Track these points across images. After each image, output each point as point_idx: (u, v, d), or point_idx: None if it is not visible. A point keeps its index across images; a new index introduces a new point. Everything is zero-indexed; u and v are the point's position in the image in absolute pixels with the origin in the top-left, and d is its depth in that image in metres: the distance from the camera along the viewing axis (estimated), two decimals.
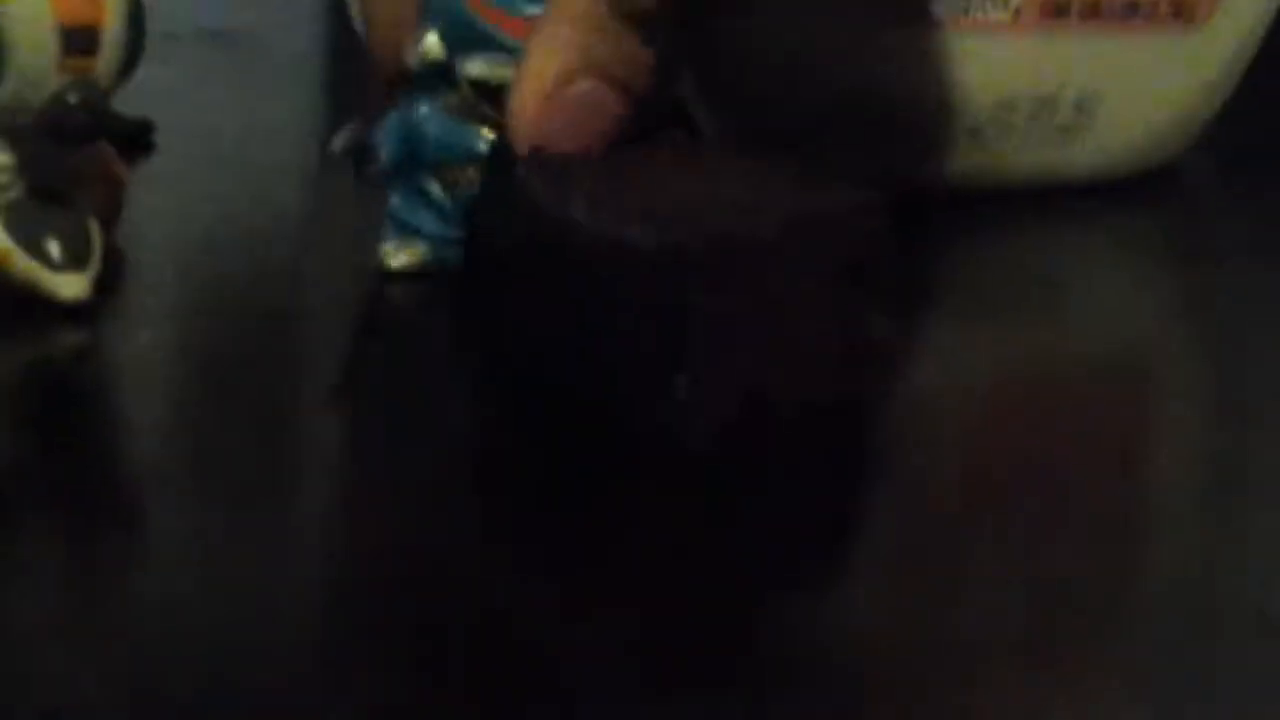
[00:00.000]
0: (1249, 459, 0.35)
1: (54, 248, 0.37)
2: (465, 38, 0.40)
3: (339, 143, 0.43)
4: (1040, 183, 0.53)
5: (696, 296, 0.32)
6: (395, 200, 0.42)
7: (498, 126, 0.38)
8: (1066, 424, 0.36)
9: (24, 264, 0.36)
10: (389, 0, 0.42)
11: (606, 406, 0.34)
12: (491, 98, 0.40)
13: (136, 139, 0.51)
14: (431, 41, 0.40)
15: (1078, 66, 0.51)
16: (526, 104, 0.35)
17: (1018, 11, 0.49)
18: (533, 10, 0.38)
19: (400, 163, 0.41)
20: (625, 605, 0.28)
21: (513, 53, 0.38)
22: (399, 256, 0.41)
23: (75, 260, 0.37)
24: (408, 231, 0.41)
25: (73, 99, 0.36)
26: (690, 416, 0.33)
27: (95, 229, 0.38)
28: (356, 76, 0.57)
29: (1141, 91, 0.53)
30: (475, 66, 0.40)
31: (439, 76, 0.41)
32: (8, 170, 0.37)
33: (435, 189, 0.41)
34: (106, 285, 0.38)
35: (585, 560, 0.30)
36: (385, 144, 0.41)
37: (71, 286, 0.37)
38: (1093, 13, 0.50)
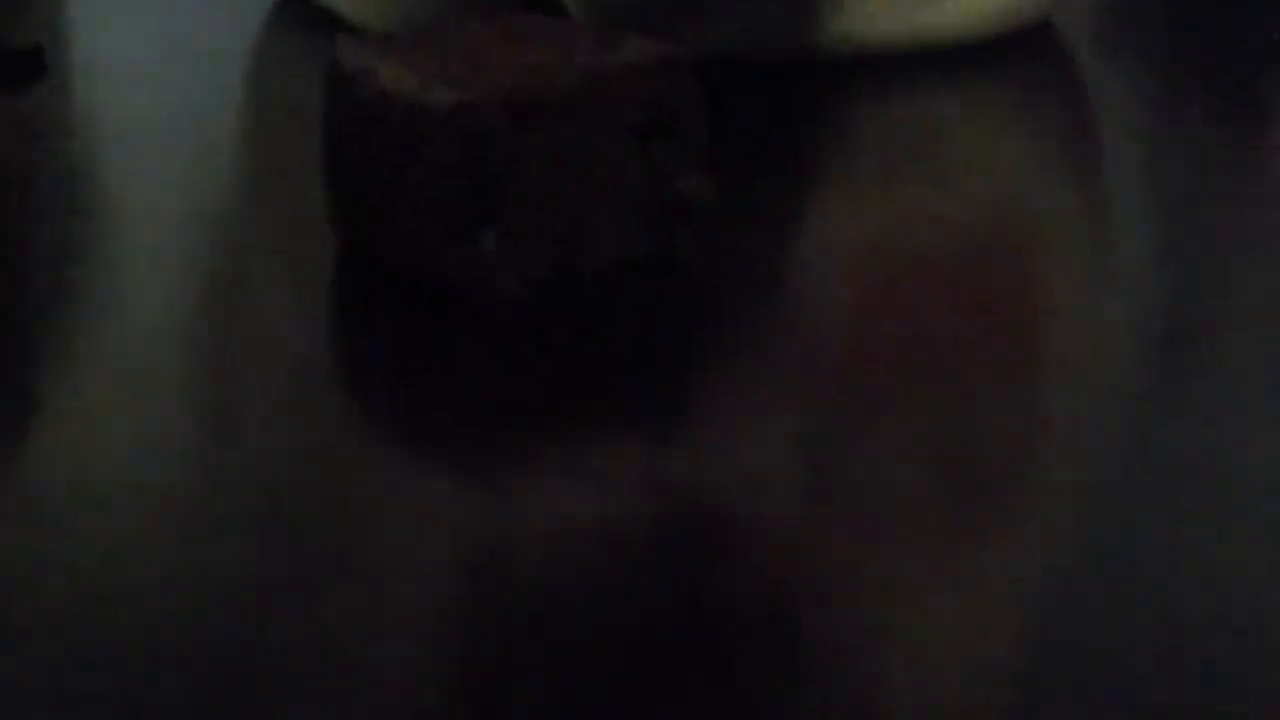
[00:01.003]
0: (1120, 322, 0.37)
1: None
2: None
3: None
4: (909, 46, 0.54)
5: (495, 152, 0.34)
6: None
7: None
8: (940, 289, 0.37)
9: None
10: None
11: (429, 265, 0.36)
12: None
13: (26, 62, 0.53)
14: None
15: None
16: None
17: None
18: None
19: None
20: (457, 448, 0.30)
21: None
22: None
23: None
24: None
25: None
26: (500, 268, 0.35)
27: None
28: None
29: None
30: None
31: None
32: None
33: None
34: None
35: (417, 413, 0.32)
36: None
37: None
38: None
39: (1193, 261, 0.39)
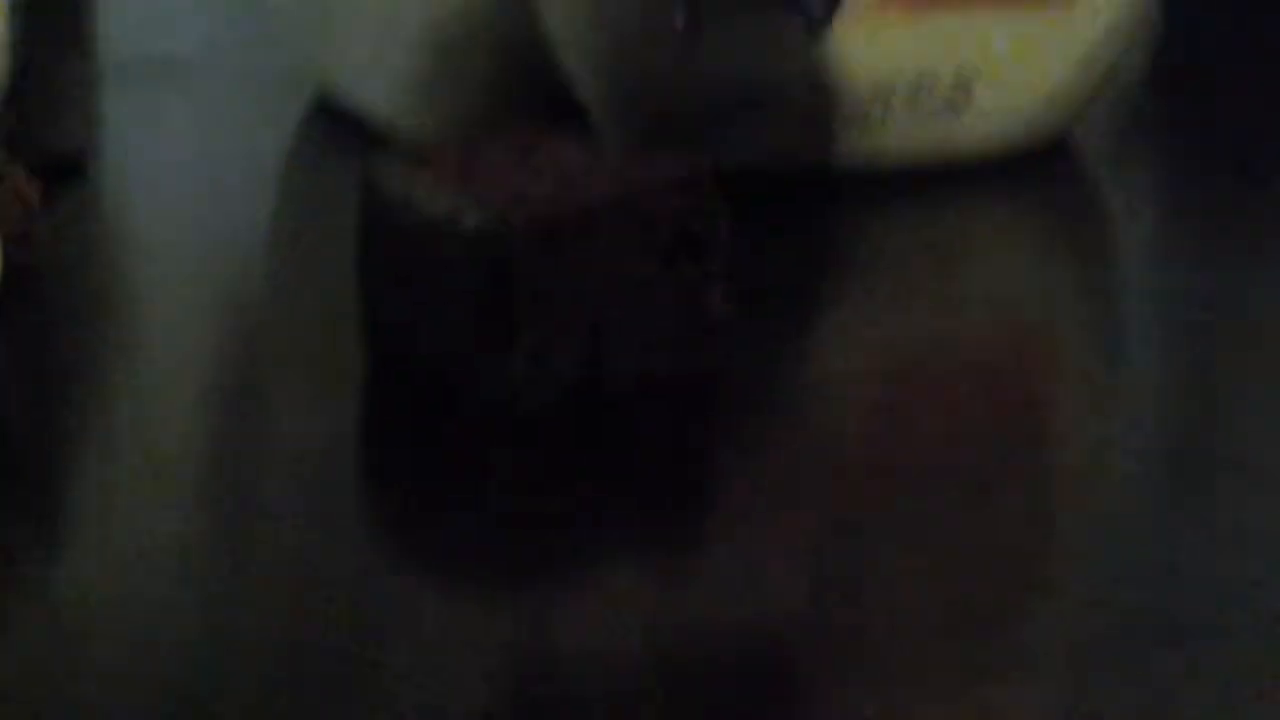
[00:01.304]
0: (1128, 435, 0.37)
1: None
2: None
3: None
4: (928, 162, 0.55)
5: (523, 269, 0.35)
6: None
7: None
8: (956, 408, 0.38)
9: None
10: None
11: (458, 378, 0.37)
12: None
13: (69, 165, 0.54)
14: None
15: (951, 46, 0.53)
16: None
17: None
18: None
19: None
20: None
21: None
22: None
23: None
24: None
25: None
26: (528, 382, 0.36)
27: None
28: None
29: (1017, 69, 0.55)
30: None
31: None
32: None
33: None
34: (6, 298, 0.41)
35: (438, 524, 0.32)
36: None
37: None
38: None
39: (1207, 383, 0.40)
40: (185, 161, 0.56)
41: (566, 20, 0.50)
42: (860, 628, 0.28)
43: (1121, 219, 0.54)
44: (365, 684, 0.26)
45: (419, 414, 0.37)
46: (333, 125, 0.59)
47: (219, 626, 0.28)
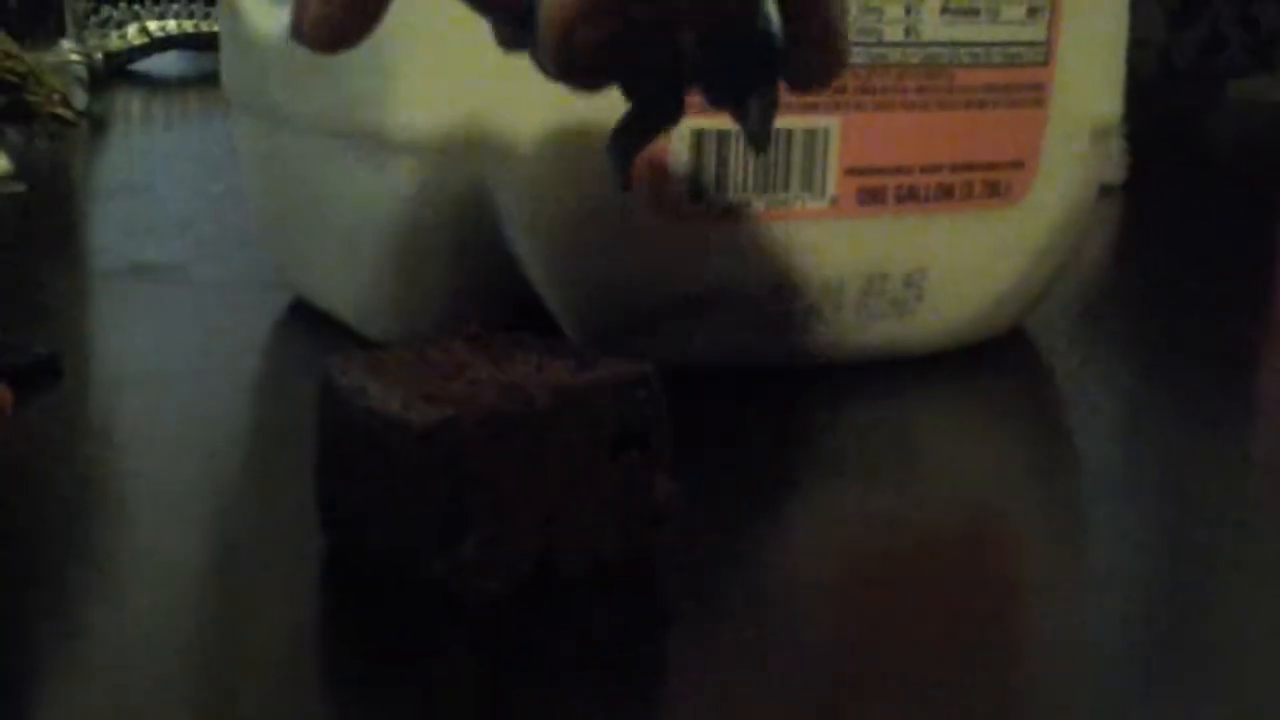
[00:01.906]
0: (1099, 625, 0.38)
1: None
2: None
3: None
4: (882, 355, 0.57)
5: (474, 464, 0.37)
6: None
7: None
8: (915, 593, 0.39)
9: None
10: None
11: (413, 568, 0.38)
12: None
13: (42, 369, 0.56)
14: None
15: (901, 247, 0.56)
16: None
17: (834, 199, 0.54)
18: None
19: None
20: None
21: None
22: None
23: None
24: None
25: None
26: (481, 572, 0.37)
27: None
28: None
29: (967, 266, 0.57)
30: None
31: None
32: None
33: None
34: None
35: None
36: None
37: None
38: (909, 195, 0.55)
39: (1170, 561, 0.41)
40: (160, 360, 0.58)
41: (526, 229, 0.52)
42: None
43: (1077, 403, 0.56)
44: None
45: (373, 604, 0.38)
46: (309, 323, 0.61)
47: None
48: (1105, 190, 0.75)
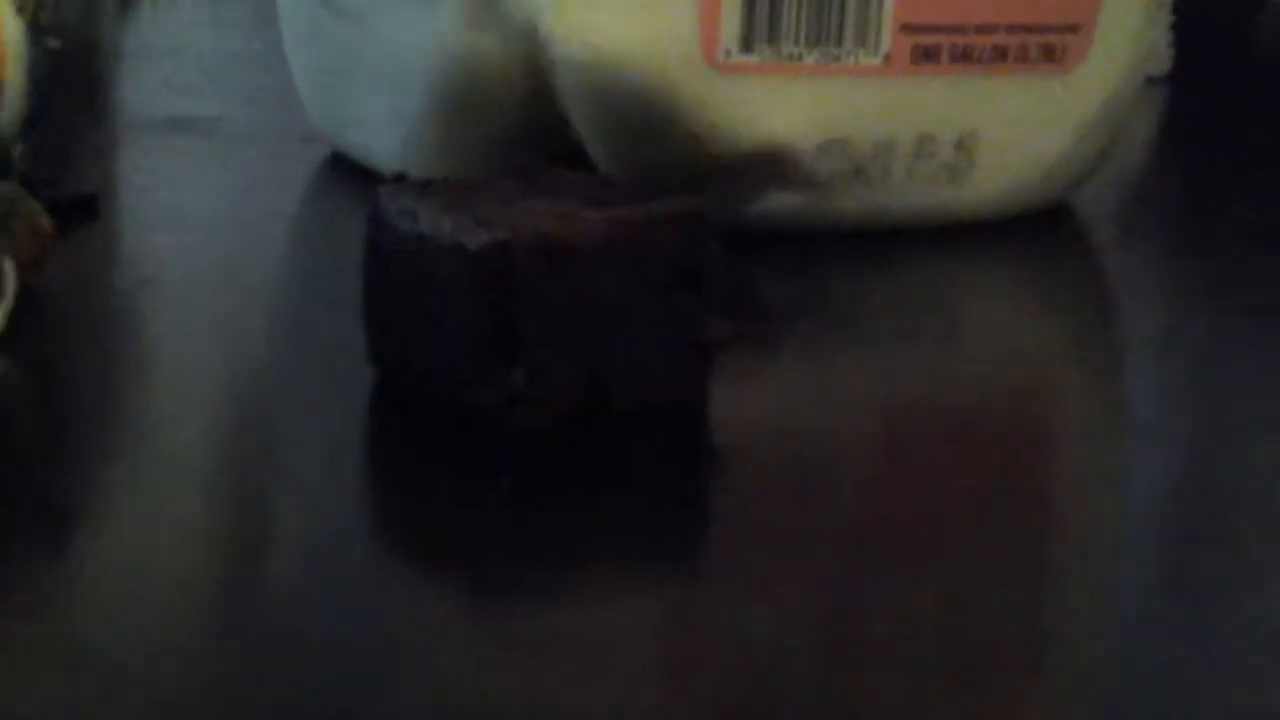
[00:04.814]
0: (1135, 481, 0.38)
1: None
2: None
3: None
4: (930, 221, 0.56)
5: (525, 291, 0.36)
6: None
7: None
8: (955, 450, 0.38)
9: None
10: None
11: (460, 399, 0.37)
12: None
13: (82, 206, 0.55)
14: None
15: (953, 108, 0.55)
16: None
17: (888, 56, 0.53)
18: None
19: None
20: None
21: None
22: None
23: None
24: None
25: None
26: (528, 404, 0.37)
27: (10, 270, 0.42)
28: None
29: (1019, 132, 0.56)
30: None
31: None
32: None
33: None
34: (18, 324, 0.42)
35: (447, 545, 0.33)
36: None
37: None
38: (963, 56, 0.54)
39: (1207, 445, 0.40)
40: (198, 205, 0.57)
41: (574, 77, 0.51)
42: (858, 672, 0.29)
43: (1121, 280, 0.55)
44: (366, 694, 0.27)
45: (421, 429, 0.37)
46: (348, 176, 0.60)
47: (225, 637, 0.29)
48: (1149, 81, 0.74)
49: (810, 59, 0.52)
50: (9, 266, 0.42)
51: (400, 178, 0.39)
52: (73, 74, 0.84)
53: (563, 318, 0.37)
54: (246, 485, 0.35)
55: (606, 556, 0.32)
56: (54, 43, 0.91)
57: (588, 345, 0.37)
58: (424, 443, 0.37)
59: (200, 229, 0.54)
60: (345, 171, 0.61)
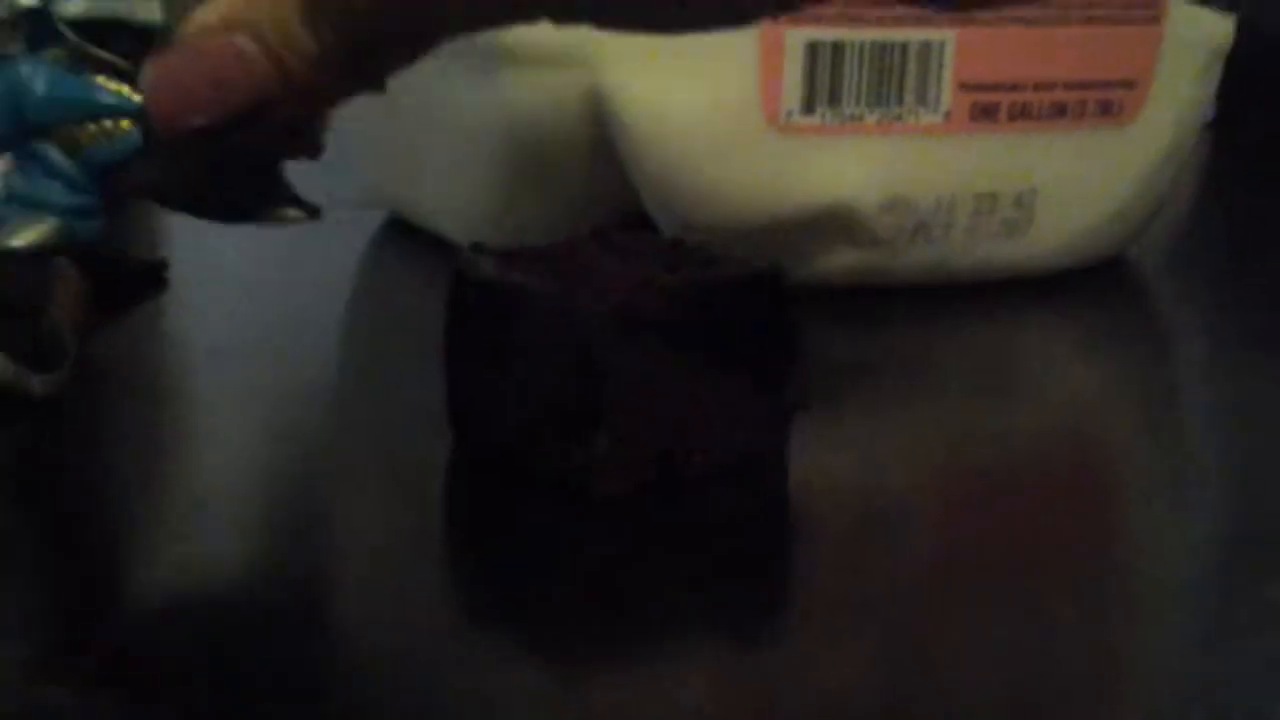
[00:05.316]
0: (1199, 525, 0.38)
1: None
2: None
3: None
4: (989, 276, 0.56)
5: (606, 357, 0.36)
6: (14, 175, 0.38)
7: (119, 72, 0.36)
8: (1018, 506, 0.39)
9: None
10: None
11: (540, 462, 0.37)
12: (101, 38, 0.37)
13: (149, 273, 0.55)
14: None
15: (1013, 165, 0.55)
16: (161, 56, 0.32)
17: (948, 114, 0.53)
18: None
19: (10, 133, 0.38)
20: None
21: None
22: (24, 234, 0.38)
23: (44, 362, 0.41)
24: (32, 206, 0.38)
25: None
26: (608, 469, 0.37)
27: (67, 335, 0.42)
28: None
29: (1078, 187, 0.57)
30: (74, 6, 0.37)
31: (38, 26, 0.37)
32: None
33: (56, 155, 0.38)
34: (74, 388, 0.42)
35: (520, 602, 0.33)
36: None
37: (44, 386, 0.41)
38: (1022, 113, 0.54)
39: (1267, 491, 0.40)
40: (260, 270, 0.57)
41: (637, 140, 0.52)
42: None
43: (1178, 331, 0.55)
44: None
45: (499, 493, 0.38)
46: (405, 238, 0.61)
47: (300, 702, 0.29)
48: None
49: (871, 119, 0.52)
50: (66, 333, 0.42)
51: (478, 248, 0.40)
52: None
53: (644, 384, 0.37)
54: (321, 550, 0.35)
55: (688, 620, 0.32)
56: None
57: (666, 411, 0.37)
58: (503, 506, 0.37)
59: (262, 294, 0.54)
60: (403, 235, 0.62)
